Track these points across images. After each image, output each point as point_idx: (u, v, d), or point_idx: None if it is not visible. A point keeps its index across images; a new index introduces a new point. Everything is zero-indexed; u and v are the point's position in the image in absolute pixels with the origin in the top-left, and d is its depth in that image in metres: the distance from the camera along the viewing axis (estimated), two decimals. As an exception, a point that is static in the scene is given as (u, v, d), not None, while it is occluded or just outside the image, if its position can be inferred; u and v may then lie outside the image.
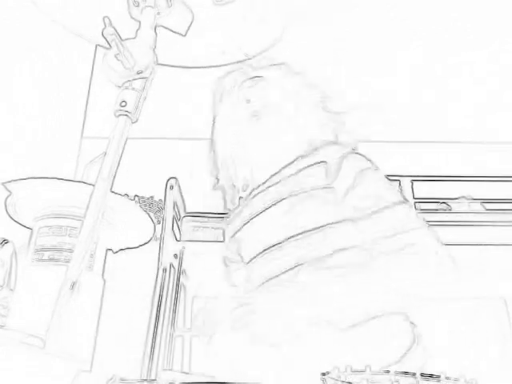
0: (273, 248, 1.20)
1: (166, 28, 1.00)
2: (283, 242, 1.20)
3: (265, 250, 1.21)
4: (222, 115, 1.37)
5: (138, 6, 0.97)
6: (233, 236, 1.31)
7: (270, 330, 1.06)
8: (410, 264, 1.10)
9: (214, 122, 1.38)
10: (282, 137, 1.31)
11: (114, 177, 0.94)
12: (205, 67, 1.08)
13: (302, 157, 1.29)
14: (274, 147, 1.31)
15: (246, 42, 1.04)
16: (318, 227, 1.18)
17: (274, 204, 1.24)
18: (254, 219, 1.26)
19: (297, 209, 1.22)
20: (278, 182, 1.27)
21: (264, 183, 1.28)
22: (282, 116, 1.33)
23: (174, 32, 1.01)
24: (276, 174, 1.29)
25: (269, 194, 1.27)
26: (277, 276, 1.16)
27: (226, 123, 1.37)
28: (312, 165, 1.27)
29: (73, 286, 0.89)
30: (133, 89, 0.95)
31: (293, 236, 1.19)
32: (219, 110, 1.38)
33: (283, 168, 1.28)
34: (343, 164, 1.25)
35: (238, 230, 1.29)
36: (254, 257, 1.23)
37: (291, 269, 1.16)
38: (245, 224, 1.28)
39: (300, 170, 1.26)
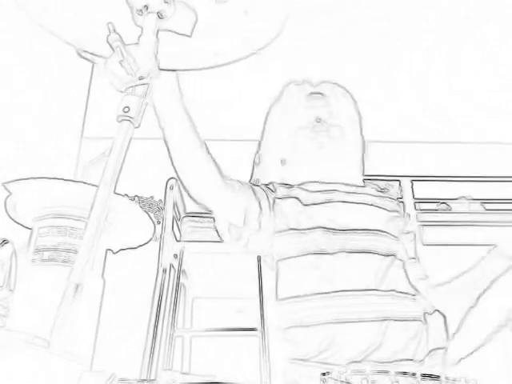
0: None
1: (170, 31, 1.00)
2: None
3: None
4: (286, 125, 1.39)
5: (141, 14, 0.98)
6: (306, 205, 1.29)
7: None
8: None
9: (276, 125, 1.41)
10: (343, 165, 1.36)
11: (117, 181, 0.94)
12: (208, 68, 1.08)
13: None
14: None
15: (250, 37, 1.04)
16: None
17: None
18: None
19: None
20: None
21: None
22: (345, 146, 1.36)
23: (180, 34, 1.01)
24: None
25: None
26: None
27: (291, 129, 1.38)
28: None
29: (77, 288, 0.89)
30: (135, 95, 0.95)
31: None
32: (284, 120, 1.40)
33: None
34: None
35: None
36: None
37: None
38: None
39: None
